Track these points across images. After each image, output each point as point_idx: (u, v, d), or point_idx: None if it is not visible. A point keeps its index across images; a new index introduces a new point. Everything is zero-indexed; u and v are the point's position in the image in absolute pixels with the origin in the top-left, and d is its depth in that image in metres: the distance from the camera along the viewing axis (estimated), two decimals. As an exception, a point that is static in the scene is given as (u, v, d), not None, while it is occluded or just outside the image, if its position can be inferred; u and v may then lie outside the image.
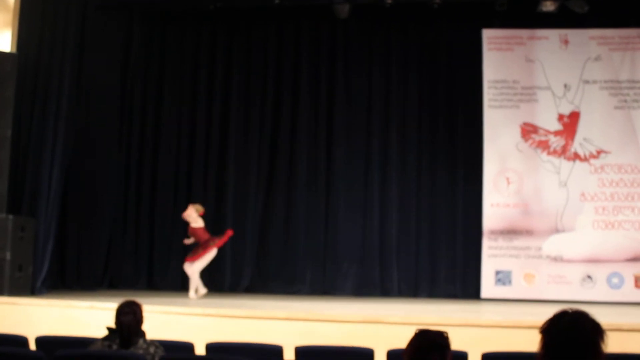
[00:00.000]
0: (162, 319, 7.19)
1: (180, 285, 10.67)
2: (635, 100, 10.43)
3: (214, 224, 10.85)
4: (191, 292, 9.55)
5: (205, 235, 9.73)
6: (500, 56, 10.70)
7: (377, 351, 5.06)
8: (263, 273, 10.90)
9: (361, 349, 5.11)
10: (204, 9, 10.69)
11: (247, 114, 11.11)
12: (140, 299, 4.82)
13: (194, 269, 9.65)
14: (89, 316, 7.51)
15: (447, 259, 10.63)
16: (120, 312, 4.58)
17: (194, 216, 9.76)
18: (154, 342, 4.61)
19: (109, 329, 4.60)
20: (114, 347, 4.53)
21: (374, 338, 6.03)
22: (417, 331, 3.35)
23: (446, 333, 3.37)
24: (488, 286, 10.32)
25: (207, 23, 11.19)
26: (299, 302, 9.17)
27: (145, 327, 4.70)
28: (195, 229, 9.74)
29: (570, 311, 3.00)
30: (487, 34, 10.75)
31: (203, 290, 9.60)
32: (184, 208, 10.90)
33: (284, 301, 9.22)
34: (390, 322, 6.74)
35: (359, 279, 10.65)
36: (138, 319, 4.59)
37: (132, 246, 10.96)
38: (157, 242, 10.98)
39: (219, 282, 10.70)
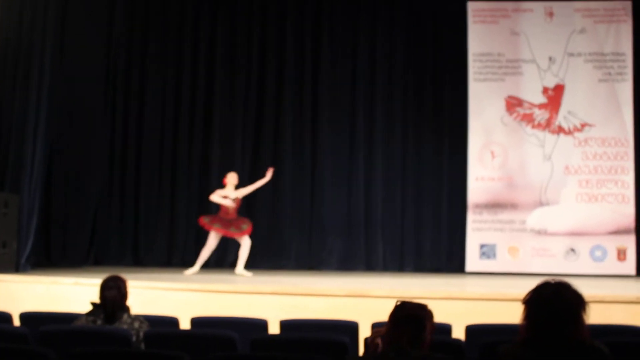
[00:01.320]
0: (147, 295, 7.20)
1: (166, 260, 10.68)
2: (619, 73, 10.44)
3: (199, 198, 10.84)
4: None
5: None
6: (485, 29, 10.67)
7: (362, 324, 5.08)
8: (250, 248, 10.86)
9: (346, 322, 5.13)
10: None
11: (232, 84, 11.05)
12: (125, 275, 4.82)
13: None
14: (74, 292, 7.51)
15: (432, 233, 10.66)
16: (104, 287, 4.57)
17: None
18: (138, 317, 4.61)
19: (93, 304, 4.60)
20: (99, 322, 4.53)
21: (358, 311, 6.05)
22: (397, 303, 3.38)
23: (426, 306, 3.39)
24: (473, 260, 10.37)
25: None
26: (284, 276, 9.19)
27: (130, 302, 4.70)
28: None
29: (552, 282, 3.03)
30: (472, 7, 10.71)
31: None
32: (169, 182, 10.90)
33: (270, 276, 9.23)
34: (374, 295, 6.78)
35: (344, 253, 10.67)
36: (122, 293, 4.58)
37: (117, 222, 10.90)
38: (143, 218, 10.94)
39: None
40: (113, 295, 4.53)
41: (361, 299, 6.78)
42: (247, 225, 9.57)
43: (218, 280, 8.16)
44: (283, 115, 10.95)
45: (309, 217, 10.82)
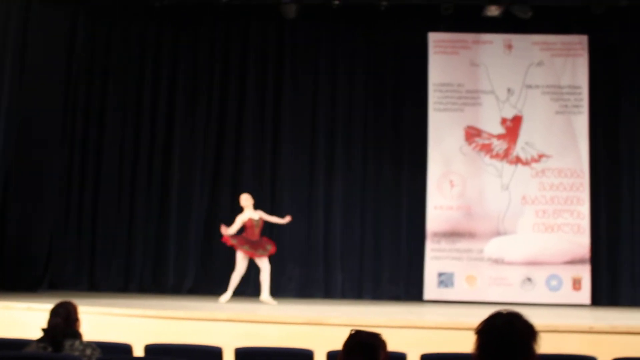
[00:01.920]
0: (101, 320, 7.09)
1: (123, 285, 10.55)
2: (576, 106, 10.64)
3: (157, 222, 10.77)
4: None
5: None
6: (446, 59, 10.81)
7: (317, 352, 5.06)
8: (207, 274, 10.80)
9: (301, 350, 5.10)
10: (150, 5, 10.58)
11: (193, 110, 11.02)
12: (80, 300, 4.74)
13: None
14: (27, 317, 7.36)
15: (391, 261, 10.69)
16: (51, 314, 4.49)
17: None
18: (90, 344, 4.53)
19: (44, 330, 4.52)
20: (49, 349, 4.45)
21: (314, 339, 6.02)
22: (352, 331, 3.37)
23: (380, 334, 3.38)
24: (431, 288, 10.42)
25: (153, 20, 11.06)
26: (241, 303, 9.12)
27: (83, 328, 4.62)
28: None
29: (504, 312, 3.04)
30: (433, 37, 10.85)
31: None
32: (128, 207, 10.79)
33: (227, 302, 9.15)
34: (331, 323, 6.76)
35: (303, 280, 10.65)
36: (71, 319, 4.50)
37: (73, 246, 10.75)
38: (100, 242, 10.80)
39: (161, 282, 10.61)
40: (56, 323, 4.44)
41: (318, 327, 6.75)
42: (271, 246, 9.50)
43: (174, 307, 8.08)
44: (243, 141, 10.95)
45: (268, 243, 10.77)
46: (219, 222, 10.78)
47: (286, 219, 9.65)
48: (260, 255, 9.40)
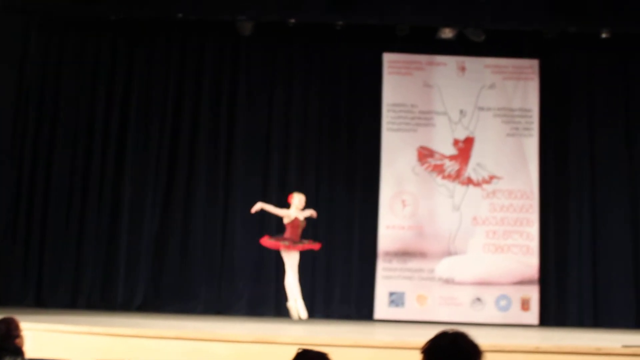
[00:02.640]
0: (47, 337, 6.95)
1: (70, 302, 10.37)
2: (526, 129, 10.81)
3: (108, 239, 10.63)
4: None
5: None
6: (400, 80, 10.90)
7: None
8: (157, 290, 10.68)
9: (249, 369, 5.06)
10: (104, 18, 10.50)
11: (146, 127, 10.93)
12: (26, 316, 4.65)
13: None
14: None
15: (342, 280, 10.69)
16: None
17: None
18: (32, 362, 4.45)
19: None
20: (-11, 366, 4.35)
21: (263, 358, 5.97)
22: (299, 350, 3.36)
23: (327, 354, 3.37)
24: (381, 307, 10.45)
25: (108, 33, 10.96)
26: (191, 321, 9.03)
27: (27, 345, 4.53)
28: None
29: (450, 332, 3.07)
30: (388, 58, 10.95)
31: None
32: (77, 223, 10.62)
33: (177, 320, 9.05)
34: (280, 342, 6.71)
35: (254, 298, 10.58)
36: (9, 336, 4.41)
37: (20, 261, 10.55)
38: (48, 258, 10.61)
39: (110, 299, 10.46)
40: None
41: (267, 345, 6.71)
42: (314, 242, 9.31)
43: (122, 324, 7.96)
44: (197, 159, 10.88)
45: (220, 261, 10.71)
46: (170, 239, 10.73)
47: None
48: (304, 246, 9.13)
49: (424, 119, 10.83)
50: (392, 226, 10.61)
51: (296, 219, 9.13)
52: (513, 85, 10.91)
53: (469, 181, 10.73)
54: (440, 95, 10.87)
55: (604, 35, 10.35)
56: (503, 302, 10.47)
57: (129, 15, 10.40)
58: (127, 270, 10.58)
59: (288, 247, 9.03)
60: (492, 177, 10.72)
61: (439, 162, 10.75)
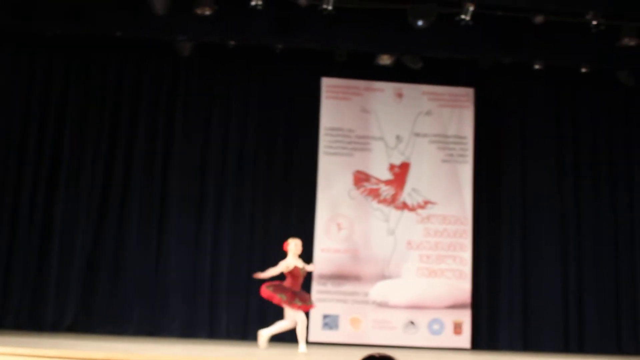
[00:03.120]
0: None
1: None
2: (461, 155, 11.00)
3: (38, 257, 10.40)
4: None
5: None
6: (338, 105, 11.00)
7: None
8: (88, 311, 10.47)
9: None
10: (41, 33, 10.34)
11: (81, 144, 10.74)
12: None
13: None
14: None
15: (277, 302, 10.64)
16: None
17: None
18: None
19: None
20: None
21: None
22: (365, 356, 3.30)
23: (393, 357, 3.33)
24: (315, 330, 10.44)
25: (43, 49, 10.79)
26: (122, 342, 8.88)
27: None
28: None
29: (377, 355, 3.10)
30: (326, 82, 11.04)
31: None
32: (6, 239, 10.37)
33: (107, 341, 8.90)
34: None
35: (187, 320, 10.47)
36: None
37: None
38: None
39: (39, 319, 10.21)
40: None
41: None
42: (310, 301, 8.96)
43: (50, 345, 7.78)
44: (132, 179, 10.74)
45: (153, 282, 10.57)
46: (102, 258, 10.55)
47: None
48: (300, 307, 8.70)
49: (360, 143, 10.94)
50: (327, 249, 10.66)
51: (295, 268, 8.79)
52: (449, 113, 11.11)
53: (404, 206, 10.85)
54: (378, 121, 10.99)
55: (537, 67, 10.62)
56: (436, 326, 10.58)
57: (65, 31, 10.25)
58: (57, 290, 10.35)
59: (286, 303, 8.63)
60: (426, 202, 10.87)
61: (374, 187, 10.86)
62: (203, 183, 10.83)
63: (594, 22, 9.32)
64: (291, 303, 8.57)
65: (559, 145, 11.37)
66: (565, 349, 10.66)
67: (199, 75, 11.05)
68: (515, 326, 10.84)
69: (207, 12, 9.26)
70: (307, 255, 10.57)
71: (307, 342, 10.23)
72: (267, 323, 10.53)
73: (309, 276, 10.53)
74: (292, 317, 8.67)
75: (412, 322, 10.56)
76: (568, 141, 11.37)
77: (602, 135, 11.41)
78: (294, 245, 8.90)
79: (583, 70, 10.67)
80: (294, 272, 8.75)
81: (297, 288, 8.74)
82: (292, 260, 8.84)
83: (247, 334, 10.49)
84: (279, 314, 10.54)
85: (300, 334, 8.66)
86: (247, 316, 10.60)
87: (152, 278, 10.57)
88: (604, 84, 11.11)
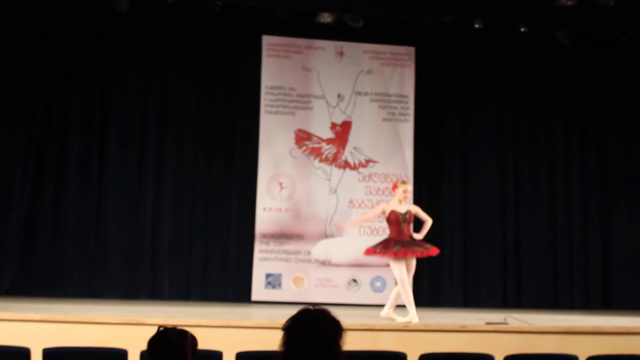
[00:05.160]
0: None
1: None
2: (402, 114, 11.04)
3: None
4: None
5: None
6: (279, 63, 10.91)
7: (132, 352, 4.95)
8: (27, 274, 10.29)
9: (114, 350, 4.99)
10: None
11: (15, 105, 10.46)
12: None
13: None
14: None
15: (219, 262, 10.63)
16: None
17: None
18: None
19: None
20: None
21: (132, 340, 5.87)
22: (160, 329, 3.31)
23: (189, 332, 3.34)
24: (259, 289, 10.46)
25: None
26: (61, 304, 8.77)
27: None
28: None
29: (311, 309, 3.11)
30: (267, 41, 10.93)
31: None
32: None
33: (46, 304, 8.77)
34: (149, 323, 6.62)
35: (128, 282, 10.37)
36: None
37: None
38: None
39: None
40: None
41: (135, 327, 6.61)
42: (430, 245, 8.02)
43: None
44: (70, 138, 10.52)
45: (93, 244, 10.43)
46: (40, 220, 10.36)
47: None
48: (421, 253, 7.87)
49: (302, 102, 10.89)
50: (269, 208, 10.64)
51: (392, 213, 7.94)
52: (390, 72, 11.12)
53: (346, 164, 10.87)
54: (319, 79, 10.95)
55: (477, 26, 10.67)
56: (378, 284, 10.69)
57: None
58: (-6, 254, 10.15)
59: (397, 255, 7.71)
60: (368, 161, 10.90)
61: (316, 146, 10.84)
62: (143, 142, 10.67)
63: (533, -19, 9.38)
64: (386, 251, 7.75)
65: (498, 103, 11.49)
66: (504, 305, 10.88)
67: (137, 33, 10.83)
68: (456, 282, 11.02)
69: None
70: (250, 214, 10.59)
71: (250, 301, 10.32)
72: (210, 283, 10.56)
73: (250, 235, 10.54)
74: (396, 271, 7.79)
75: (354, 280, 10.65)
76: (508, 99, 11.50)
77: (541, 93, 11.56)
78: (401, 190, 8.00)
79: (522, 29, 10.77)
80: (390, 218, 7.93)
81: (406, 237, 7.89)
82: (391, 204, 8.06)
83: (189, 295, 10.46)
84: (221, 271, 10.57)
85: (394, 298, 7.89)
86: (189, 277, 10.55)
87: (91, 240, 10.43)
88: (543, 43, 11.21)
